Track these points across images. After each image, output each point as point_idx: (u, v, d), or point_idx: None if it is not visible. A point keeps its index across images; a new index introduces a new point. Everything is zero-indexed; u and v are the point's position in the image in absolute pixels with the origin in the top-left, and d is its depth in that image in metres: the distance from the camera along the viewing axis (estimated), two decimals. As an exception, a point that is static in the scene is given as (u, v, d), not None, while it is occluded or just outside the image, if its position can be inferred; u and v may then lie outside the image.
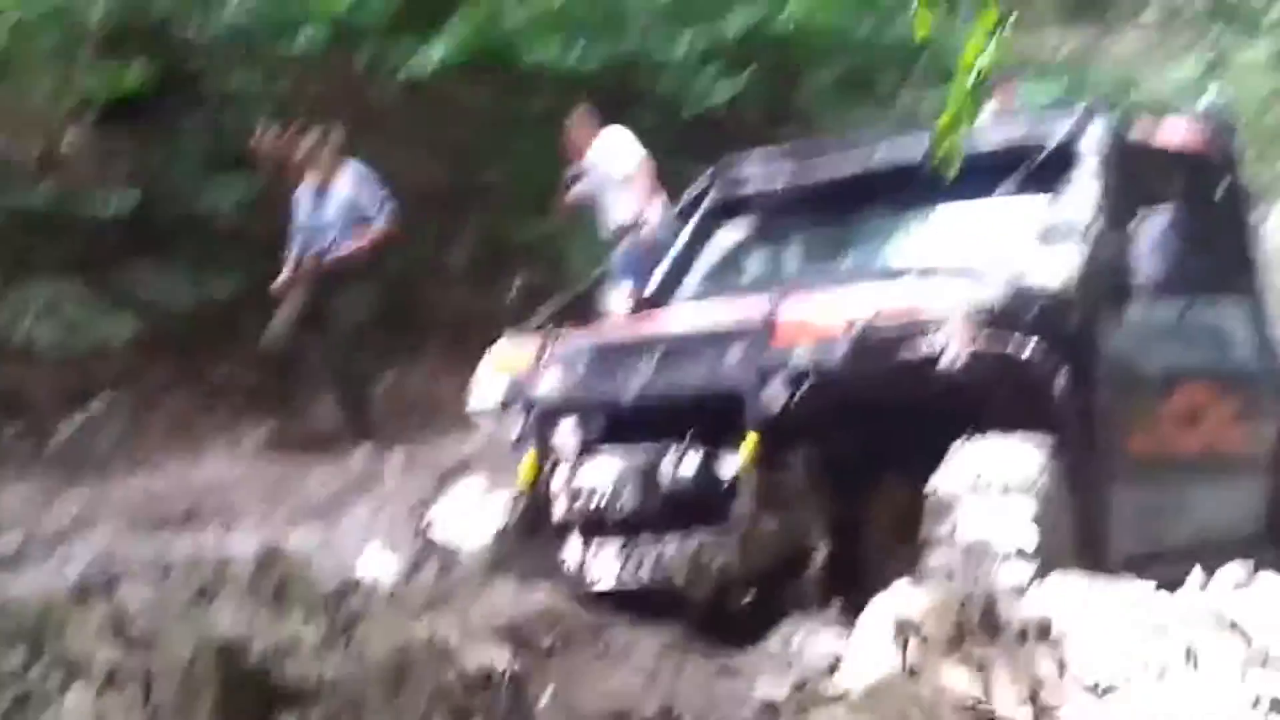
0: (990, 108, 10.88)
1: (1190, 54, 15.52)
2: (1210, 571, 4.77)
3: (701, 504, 5.34)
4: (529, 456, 5.72)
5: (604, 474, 5.52)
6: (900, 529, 5.28)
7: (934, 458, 5.24)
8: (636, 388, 5.59)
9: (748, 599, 5.32)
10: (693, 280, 6.93)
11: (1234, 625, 4.29)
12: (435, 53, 10.41)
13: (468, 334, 9.47)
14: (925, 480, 5.20)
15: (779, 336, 5.43)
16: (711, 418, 5.41)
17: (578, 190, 10.12)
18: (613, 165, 9.99)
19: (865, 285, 5.92)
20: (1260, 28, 15.57)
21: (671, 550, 5.33)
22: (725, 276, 6.89)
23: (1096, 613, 4.36)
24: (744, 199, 6.98)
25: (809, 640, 4.73)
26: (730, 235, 7.02)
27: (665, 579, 5.31)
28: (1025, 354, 5.43)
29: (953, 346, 5.28)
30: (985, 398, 5.41)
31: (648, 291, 6.92)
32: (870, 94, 13.02)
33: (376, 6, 10.57)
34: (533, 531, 5.66)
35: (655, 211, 9.55)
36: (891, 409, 5.32)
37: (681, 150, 11.07)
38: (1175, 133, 6.66)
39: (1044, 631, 4.24)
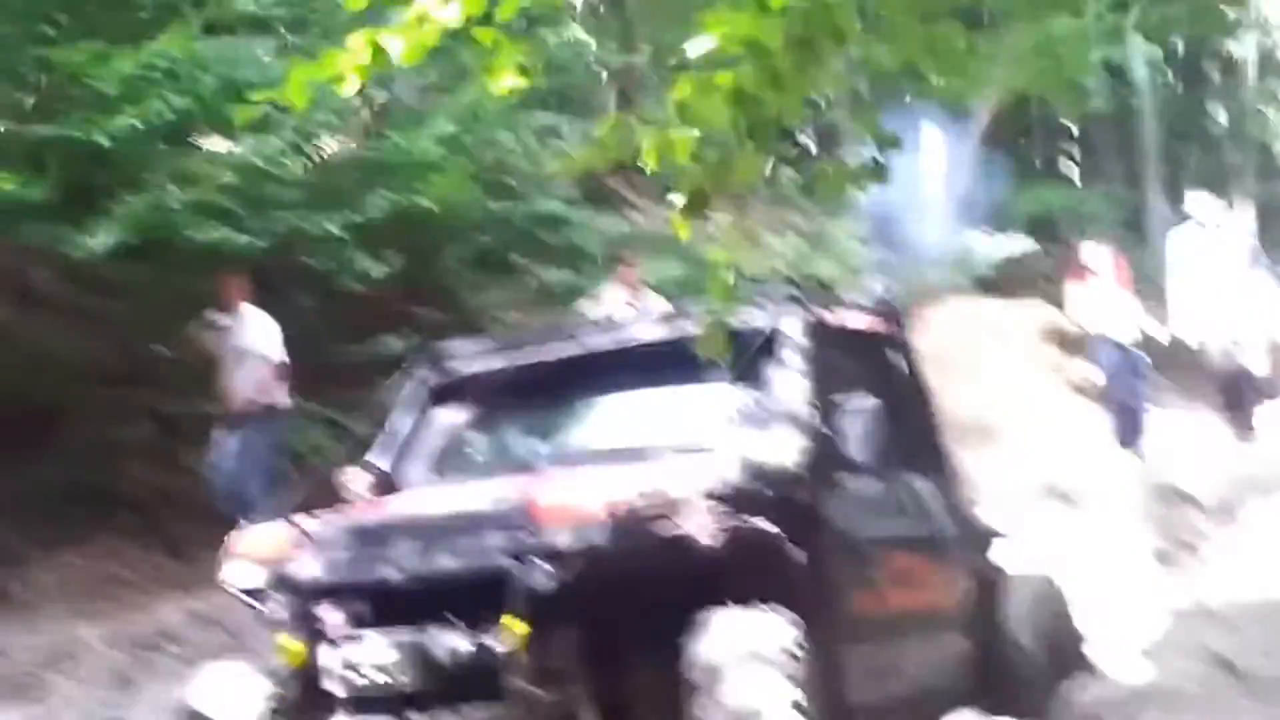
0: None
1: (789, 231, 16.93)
2: None
3: (472, 683, 5.58)
4: (293, 639, 5.88)
5: (375, 653, 5.70)
6: (662, 704, 5.59)
7: (685, 633, 5.56)
8: (400, 570, 5.80)
9: None
10: (422, 463, 7.16)
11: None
12: (102, 235, 10.59)
13: (147, 509, 9.82)
14: (678, 656, 5.52)
15: (538, 518, 5.67)
16: (477, 598, 5.62)
17: (215, 338, 10.64)
18: (255, 337, 10.57)
19: (607, 467, 6.25)
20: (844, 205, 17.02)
21: None
22: (455, 459, 7.16)
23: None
24: (459, 383, 7.26)
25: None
26: (450, 418, 7.29)
27: None
28: (765, 529, 5.80)
29: (703, 525, 5.64)
30: (731, 572, 5.72)
31: (378, 474, 7.06)
32: (506, 272, 13.88)
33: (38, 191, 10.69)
34: (303, 711, 5.85)
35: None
36: (645, 587, 5.61)
37: (336, 326, 11.71)
38: (859, 319, 7.19)
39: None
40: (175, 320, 11.11)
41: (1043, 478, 11.61)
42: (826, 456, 6.27)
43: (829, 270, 16.14)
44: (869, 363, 7.05)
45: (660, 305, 10.95)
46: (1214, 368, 13.26)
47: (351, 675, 5.73)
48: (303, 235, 11.68)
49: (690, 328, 6.57)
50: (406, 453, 7.17)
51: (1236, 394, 13.19)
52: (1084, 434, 13.65)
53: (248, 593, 6.19)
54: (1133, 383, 12.84)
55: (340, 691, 5.76)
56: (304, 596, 5.94)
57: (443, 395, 7.32)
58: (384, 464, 7.09)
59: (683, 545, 5.63)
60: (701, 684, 5.46)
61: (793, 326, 6.62)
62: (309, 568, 6.00)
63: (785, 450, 6.12)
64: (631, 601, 5.63)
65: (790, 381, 6.42)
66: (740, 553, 5.71)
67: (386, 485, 6.90)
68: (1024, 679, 7.19)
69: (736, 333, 6.30)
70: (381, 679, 5.68)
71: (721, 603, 5.64)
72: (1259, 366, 13.09)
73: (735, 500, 5.78)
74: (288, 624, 5.93)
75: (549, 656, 5.59)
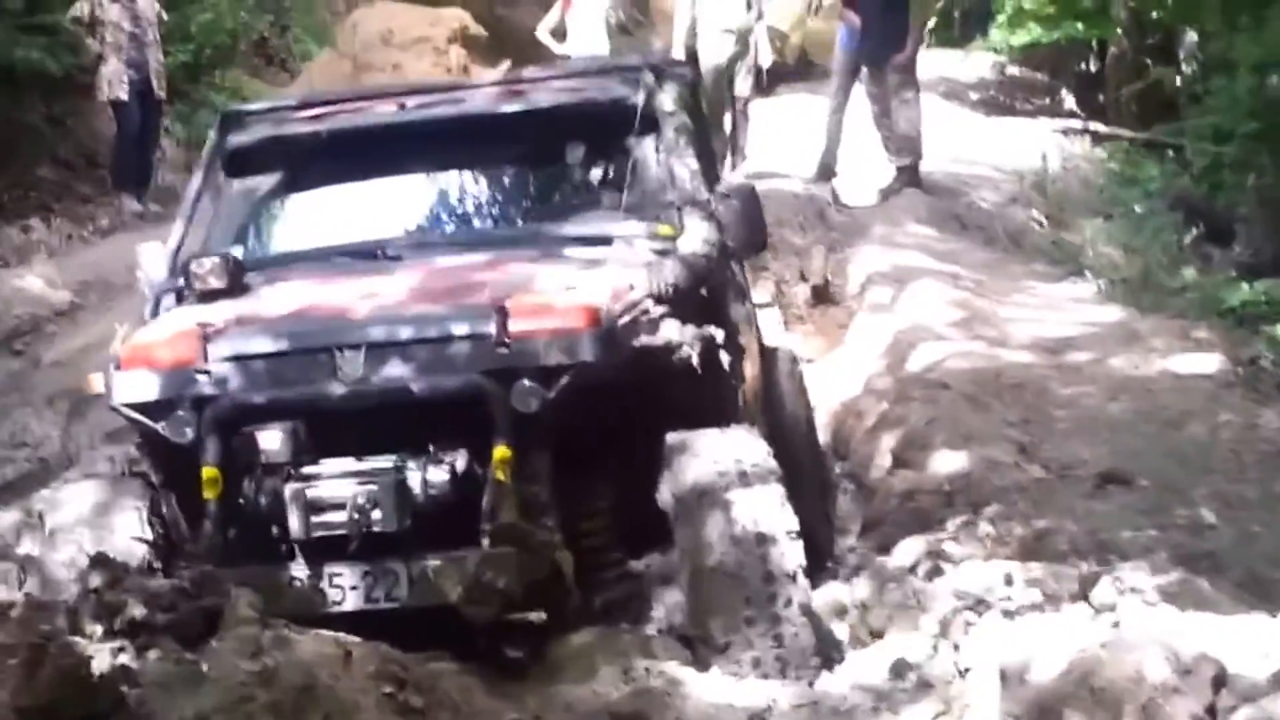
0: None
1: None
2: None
3: (448, 520, 4.94)
4: (209, 469, 5.03)
5: (334, 488, 4.93)
6: (638, 530, 5.19)
7: (660, 456, 5.13)
8: (350, 386, 5.05)
9: (525, 616, 4.87)
10: (263, 242, 6.20)
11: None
12: None
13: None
14: (655, 482, 5.11)
15: (510, 327, 5.01)
16: (444, 420, 5.01)
17: None
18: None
19: (518, 261, 5.59)
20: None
21: (435, 568, 4.88)
22: (310, 239, 6.16)
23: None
24: (268, 150, 6.27)
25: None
26: (269, 192, 6.33)
27: (432, 598, 4.86)
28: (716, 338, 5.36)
29: (680, 330, 5.24)
30: (697, 387, 5.32)
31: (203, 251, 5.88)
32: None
33: None
34: (225, 555, 5.01)
35: None
36: (622, 405, 5.08)
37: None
38: None
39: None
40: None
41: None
42: (724, 245, 5.83)
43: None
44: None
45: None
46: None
47: (303, 513, 4.92)
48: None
49: (547, 96, 6.22)
50: (228, 235, 6.19)
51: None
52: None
53: (141, 409, 5.22)
54: None
55: (295, 532, 4.95)
56: (225, 415, 5.06)
57: (244, 164, 6.31)
58: (219, 248, 5.95)
59: (667, 355, 5.23)
60: (685, 512, 5.04)
61: (669, 98, 6.12)
62: (230, 378, 5.12)
63: (703, 242, 5.64)
64: (608, 422, 5.08)
65: (684, 161, 5.94)
66: (705, 365, 5.28)
67: (237, 274, 5.69)
68: None
69: (599, 102, 6.11)
70: (345, 517, 4.89)
71: (692, 422, 5.23)
72: (743, 89, 13.13)
73: (681, 302, 5.35)
74: (200, 449, 5.05)
75: (531, 489, 5.02)
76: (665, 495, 5.12)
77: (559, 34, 13.86)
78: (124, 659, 4.56)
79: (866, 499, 7.44)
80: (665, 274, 5.45)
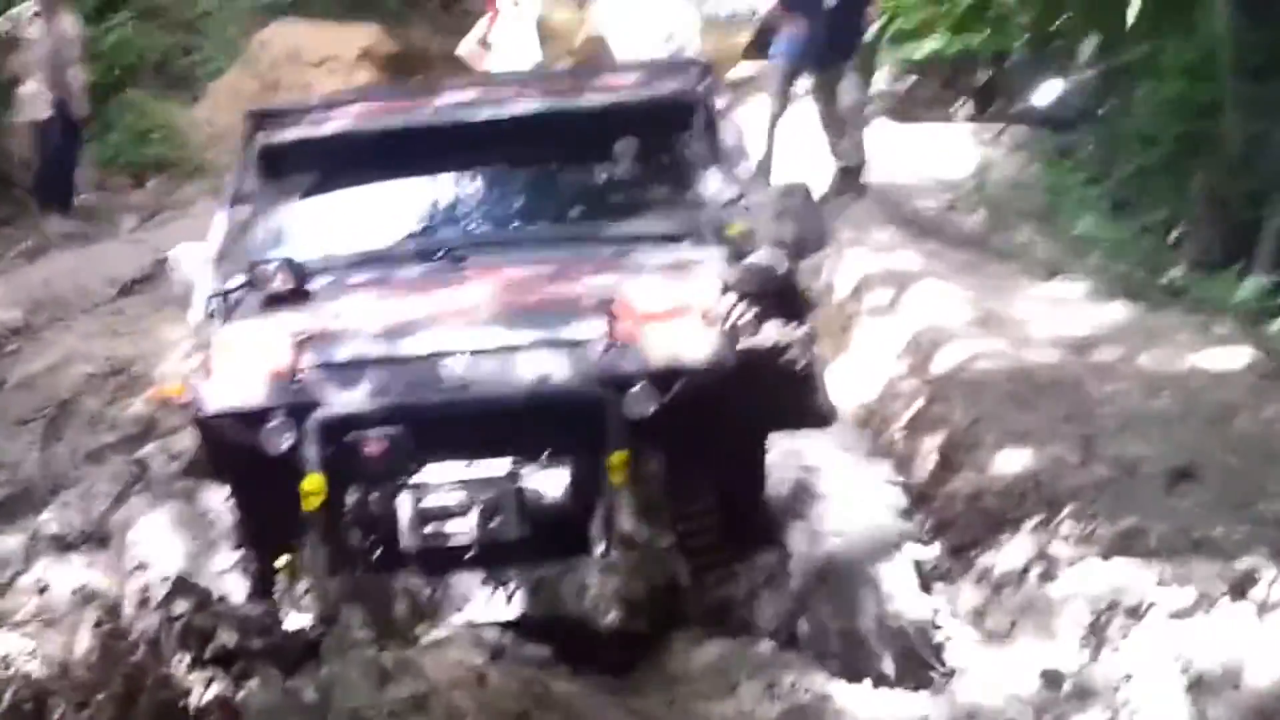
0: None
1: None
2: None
3: (561, 530, 4.88)
4: (313, 478, 4.85)
5: (448, 497, 4.84)
6: (738, 530, 5.13)
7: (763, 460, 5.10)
8: (460, 393, 4.91)
9: (643, 623, 4.83)
10: (311, 244, 5.84)
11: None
12: None
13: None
14: (761, 485, 5.08)
15: (622, 332, 4.94)
16: (555, 427, 4.92)
17: None
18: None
19: (615, 258, 5.46)
20: None
21: (554, 576, 4.80)
22: (362, 241, 5.93)
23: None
24: (305, 150, 6.04)
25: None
26: (309, 192, 6.06)
27: (550, 607, 4.79)
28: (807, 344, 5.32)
29: (781, 330, 5.18)
30: (788, 385, 5.26)
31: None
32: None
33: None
34: (329, 566, 4.85)
35: None
36: (732, 411, 5.02)
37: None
38: None
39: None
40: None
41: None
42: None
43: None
44: None
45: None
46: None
47: (417, 523, 4.83)
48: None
49: (605, 93, 6.09)
50: (271, 237, 5.97)
51: None
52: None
53: (233, 419, 5.04)
54: None
55: (409, 542, 4.84)
56: (328, 424, 4.91)
57: (281, 164, 6.08)
58: (263, 251, 5.74)
59: (764, 356, 5.15)
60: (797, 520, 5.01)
61: (713, 95, 6.05)
62: (330, 386, 5.00)
63: (777, 242, 5.54)
64: (711, 423, 5.01)
65: (743, 159, 5.89)
66: (803, 364, 5.26)
67: (302, 278, 5.52)
68: None
69: (658, 99, 6.01)
70: (464, 526, 4.81)
71: (788, 421, 5.24)
72: None
73: (768, 302, 5.28)
74: (300, 458, 4.89)
75: (647, 494, 4.95)
76: (775, 500, 5.13)
77: (485, 44, 13.55)
78: (219, 689, 4.23)
79: (916, 501, 7.18)
80: (752, 274, 5.34)
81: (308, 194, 6.05)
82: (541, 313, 5.06)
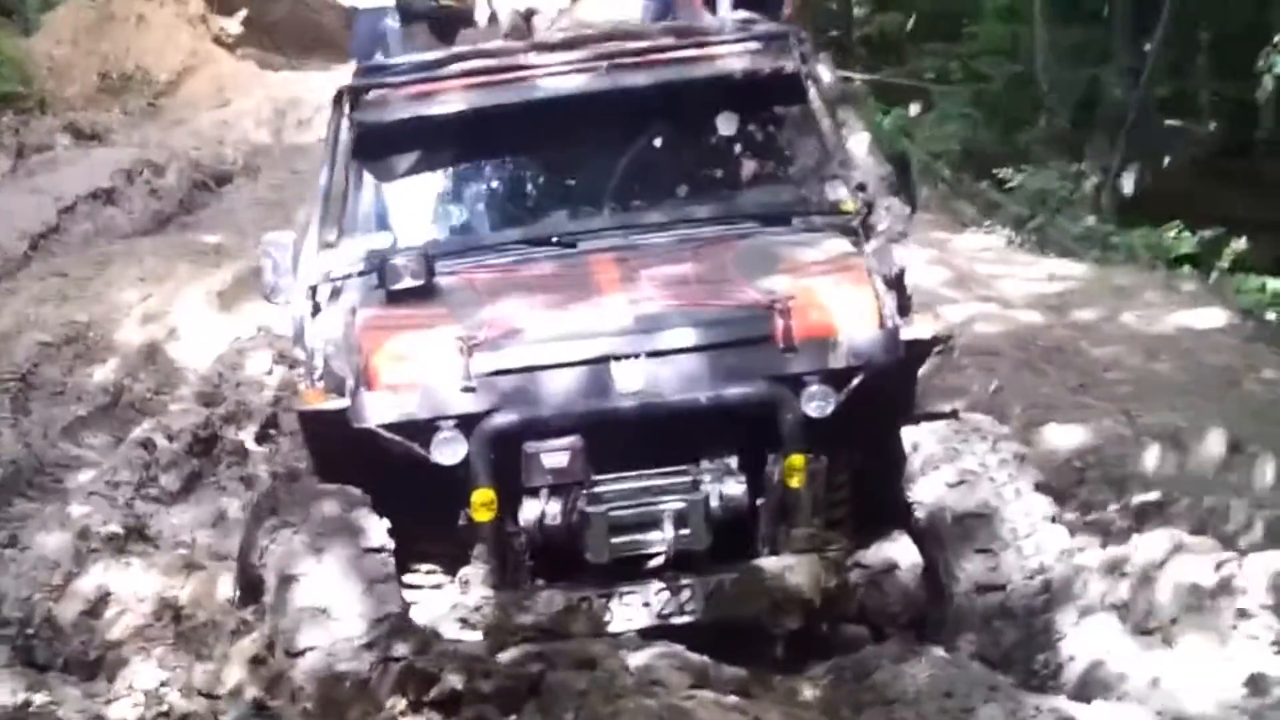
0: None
1: None
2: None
3: (738, 530, 4.73)
4: (483, 489, 4.62)
5: (646, 507, 4.66)
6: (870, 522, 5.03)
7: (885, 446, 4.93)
8: (629, 399, 4.69)
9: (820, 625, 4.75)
10: (416, 230, 5.59)
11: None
12: None
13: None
14: (902, 473, 4.86)
15: (790, 327, 4.73)
16: (717, 427, 4.75)
17: None
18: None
19: (732, 254, 5.18)
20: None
21: (732, 580, 4.67)
22: (471, 226, 5.70)
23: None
24: (403, 129, 5.64)
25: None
26: (408, 174, 5.74)
27: (729, 611, 4.67)
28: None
29: (934, 321, 5.20)
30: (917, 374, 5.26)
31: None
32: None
33: None
34: (502, 580, 4.68)
35: None
36: (889, 402, 4.89)
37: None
38: None
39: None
40: None
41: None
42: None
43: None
44: None
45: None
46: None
47: (604, 533, 4.62)
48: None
49: (711, 63, 5.70)
50: (369, 222, 5.63)
51: None
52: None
53: (399, 430, 4.70)
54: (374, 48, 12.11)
55: (596, 554, 4.63)
56: (503, 433, 4.65)
57: (376, 145, 5.66)
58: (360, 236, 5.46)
59: (923, 347, 5.06)
60: (945, 524, 4.77)
61: (823, 67, 5.79)
62: (504, 394, 4.70)
63: (899, 219, 5.36)
64: (876, 420, 4.84)
65: (854, 131, 5.63)
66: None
67: (432, 272, 5.10)
68: None
69: (771, 71, 5.64)
70: (655, 536, 4.64)
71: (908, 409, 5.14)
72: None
73: (902, 285, 5.19)
74: (473, 469, 4.63)
75: (822, 495, 4.81)
76: (918, 502, 4.84)
77: None
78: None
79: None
80: (891, 258, 5.21)
81: (412, 176, 5.73)
82: (707, 310, 4.84)
